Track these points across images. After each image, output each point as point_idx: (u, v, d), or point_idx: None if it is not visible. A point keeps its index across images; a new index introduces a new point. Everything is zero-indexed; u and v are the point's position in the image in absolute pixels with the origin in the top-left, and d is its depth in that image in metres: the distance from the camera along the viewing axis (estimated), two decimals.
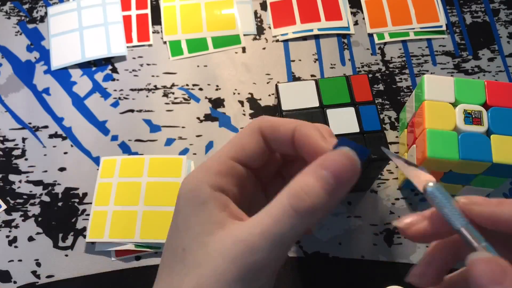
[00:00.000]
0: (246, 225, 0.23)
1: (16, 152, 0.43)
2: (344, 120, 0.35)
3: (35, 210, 0.40)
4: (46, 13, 0.48)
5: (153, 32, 0.48)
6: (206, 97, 0.45)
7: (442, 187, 0.23)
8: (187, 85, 0.45)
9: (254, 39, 0.48)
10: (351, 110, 0.35)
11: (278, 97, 0.35)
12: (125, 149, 0.42)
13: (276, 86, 0.35)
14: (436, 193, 0.23)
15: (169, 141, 0.43)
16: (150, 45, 0.47)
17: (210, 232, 0.23)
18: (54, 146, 0.43)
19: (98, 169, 0.41)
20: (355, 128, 0.34)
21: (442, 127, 0.35)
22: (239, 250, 0.22)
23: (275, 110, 0.44)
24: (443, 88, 0.36)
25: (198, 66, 0.46)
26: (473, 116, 0.35)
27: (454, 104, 0.35)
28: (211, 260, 0.23)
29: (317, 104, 0.35)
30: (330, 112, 0.35)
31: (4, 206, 0.40)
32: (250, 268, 0.22)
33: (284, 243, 0.23)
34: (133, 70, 0.46)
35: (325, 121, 0.34)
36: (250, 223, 0.23)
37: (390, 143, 0.42)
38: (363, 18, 0.49)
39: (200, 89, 0.45)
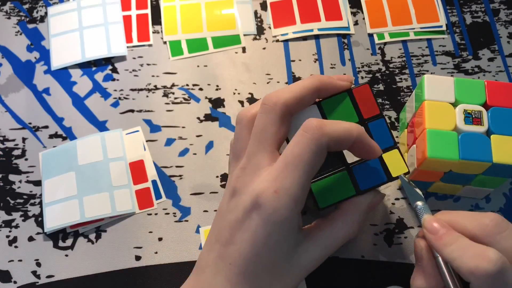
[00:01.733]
0: (318, 247, 0.31)
1: (16, 152, 0.43)
2: None
3: (35, 210, 0.40)
4: (46, 13, 0.48)
5: (153, 32, 0.48)
6: (206, 97, 0.45)
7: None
8: (187, 85, 0.45)
9: (254, 39, 0.48)
10: None
11: None
12: None
13: None
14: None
15: (169, 141, 0.43)
16: (150, 45, 0.47)
17: (296, 249, 0.31)
18: (54, 146, 0.43)
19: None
20: None
21: (442, 127, 0.34)
22: (311, 267, 0.32)
23: None
24: (443, 88, 0.36)
25: (198, 66, 0.46)
26: (473, 116, 0.35)
27: (454, 104, 0.35)
28: (293, 275, 0.31)
29: None
30: None
31: None
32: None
33: None
34: (133, 70, 0.46)
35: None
36: (322, 247, 0.32)
37: None
38: (363, 18, 0.49)
39: (200, 89, 0.45)
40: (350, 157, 0.33)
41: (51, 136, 0.43)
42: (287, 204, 0.29)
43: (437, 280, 0.31)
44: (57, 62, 0.46)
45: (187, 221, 0.40)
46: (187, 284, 0.32)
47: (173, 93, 0.45)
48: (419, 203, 0.34)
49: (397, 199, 0.41)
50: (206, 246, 0.32)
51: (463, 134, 0.34)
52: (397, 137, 0.43)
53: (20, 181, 0.41)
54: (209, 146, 0.43)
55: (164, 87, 0.45)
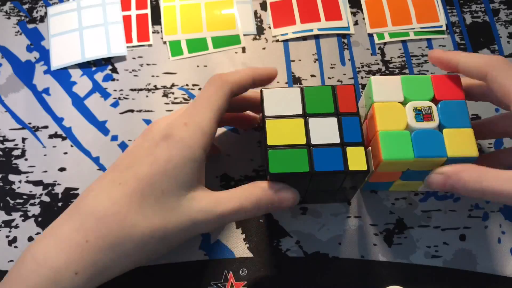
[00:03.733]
0: (210, 200, 0.32)
1: (16, 152, 0.43)
2: (325, 130, 0.34)
3: (35, 210, 0.40)
4: (46, 13, 0.48)
5: (153, 32, 0.48)
6: None
7: None
8: (187, 85, 0.45)
9: (254, 39, 0.48)
10: (333, 121, 0.34)
11: (262, 103, 0.35)
12: (124, 149, 0.42)
13: (261, 91, 0.35)
14: None
15: None
16: (150, 45, 0.47)
17: (190, 189, 0.31)
18: (54, 146, 0.43)
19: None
20: (336, 139, 0.34)
21: (394, 127, 0.34)
22: (198, 218, 0.31)
23: None
24: (391, 88, 0.35)
25: (198, 66, 0.46)
26: (423, 113, 0.34)
27: (404, 103, 0.35)
28: (178, 214, 0.31)
29: (300, 112, 0.34)
30: (312, 122, 0.34)
31: None
32: (192, 234, 0.32)
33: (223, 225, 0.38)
34: (133, 70, 0.46)
35: (307, 130, 0.34)
36: (213, 201, 0.32)
37: None
38: (363, 18, 0.49)
39: (200, 89, 0.45)
40: (316, 139, 0.34)
41: (50, 136, 0.43)
42: (194, 134, 0.31)
43: None
44: (56, 62, 0.46)
45: None
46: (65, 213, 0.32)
47: (173, 93, 0.45)
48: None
49: (396, 199, 0.41)
50: (98, 178, 0.33)
51: (416, 132, 0.34)
52: None
53: (20, 181, 0.41)
54: None
55: (164, 87, 0.45)
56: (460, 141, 0.33)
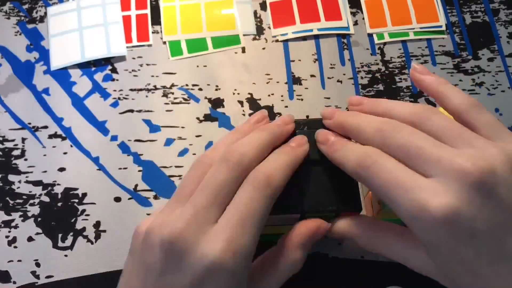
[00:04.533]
0: None
1: (16, 152, 0.42)
2: None
3: (35, 210, 0.40)
4: (45, 13, 0.48)
5: (152, 32, 0.48)
6: (205, 97, 0.45)
7: None
8: (187, 85, 0.45)
9: (254, 39, 0.48)
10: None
11: None
12: (124, 149, 0.42)
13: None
14: None
15: (169, 141, 0.43)
16: (149, 45, 0.47)
17: None
18: (53, 147, 0.43)
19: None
20: None
21: None
22: None
23: (274, 110, 0.44)
24: None
25: (197, 66, 0.46)
26: None
27: None
28: None
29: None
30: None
31: None
32: None
33: None
34: (132, 70, 0.46)
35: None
36: None
37: None
38: (363, 18, 0.49)
39: (200, 89, 0.45)
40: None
41: (50, 136, 0.43)
42: (244, 264, 0.26)
43: None
44: (56, 62, 0.46)
45: None
46: None
47: (172, 93, 0.45)
48: None
49: None
50: None
51: None
52: None
53: (19, 181, 0.41)
54: (209, 146, 0.43)
55: (164, 87, 0.45)
56: None
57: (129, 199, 0.41)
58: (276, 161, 0.29)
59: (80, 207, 0.40)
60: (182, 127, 0.43)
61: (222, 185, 0.27)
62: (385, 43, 0.47)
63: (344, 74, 0.46)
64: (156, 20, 0.48)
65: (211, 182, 0.27)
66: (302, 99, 0.45)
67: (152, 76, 0.46)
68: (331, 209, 0.31)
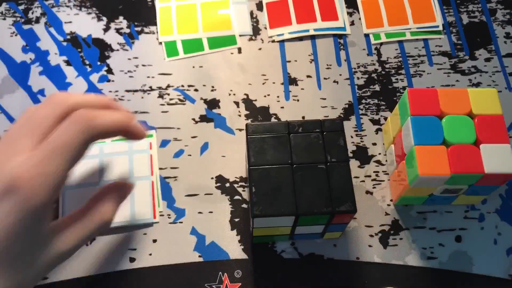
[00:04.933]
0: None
1: None
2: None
3: None
4: (41, 14, 0.48)
5: (148, 33, 0.48)
6: (201, 98, 0.45)
7: None
8: (183, 86, 0.45)
9: (250, 39, 0.47)
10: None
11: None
12: None
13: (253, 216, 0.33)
14: None
15: (164, 143, 0.43)
16: (146, 46, 0.47)
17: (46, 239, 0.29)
18: None
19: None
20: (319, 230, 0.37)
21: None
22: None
23: (270, 111, 0.44)
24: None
25: (193, 67, 0.46)
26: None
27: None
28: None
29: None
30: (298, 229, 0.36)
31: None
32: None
33: None
34: (128, 71, 0.46)
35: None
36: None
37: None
38: (359, 18, 0.48)
39: (196, 90, 0.45)
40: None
41: None
42: (46, 190, 0.27)
43: None
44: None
45: (181, 222, 0.40)
46: None
47: (168, 94, 0.45)
48: None
49: (392, 200, 0.41)
50: None
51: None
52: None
53: None
54: (204, 147, 0.43)
55: (159, 88, 0.45)
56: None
57: None
58: (106, 112, 0.31)
59: None
60: (178, 128, 0.43)
61: (41, 118, 0.29)
62: (381, 43, 0.47)
63: (340, 75, 0.46)
64: (152, 20, 0.48)
65: (32, 115, 0.30)
66: (298, 100, 0.45)
67: (148, 77, 0.46)
68: (326, 211, 0.32)
